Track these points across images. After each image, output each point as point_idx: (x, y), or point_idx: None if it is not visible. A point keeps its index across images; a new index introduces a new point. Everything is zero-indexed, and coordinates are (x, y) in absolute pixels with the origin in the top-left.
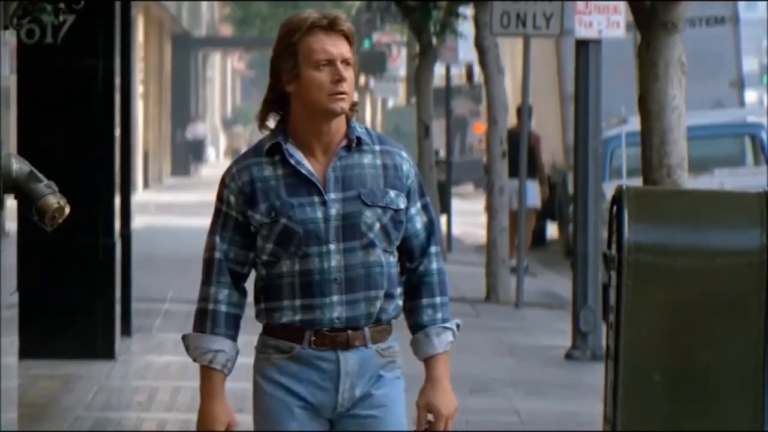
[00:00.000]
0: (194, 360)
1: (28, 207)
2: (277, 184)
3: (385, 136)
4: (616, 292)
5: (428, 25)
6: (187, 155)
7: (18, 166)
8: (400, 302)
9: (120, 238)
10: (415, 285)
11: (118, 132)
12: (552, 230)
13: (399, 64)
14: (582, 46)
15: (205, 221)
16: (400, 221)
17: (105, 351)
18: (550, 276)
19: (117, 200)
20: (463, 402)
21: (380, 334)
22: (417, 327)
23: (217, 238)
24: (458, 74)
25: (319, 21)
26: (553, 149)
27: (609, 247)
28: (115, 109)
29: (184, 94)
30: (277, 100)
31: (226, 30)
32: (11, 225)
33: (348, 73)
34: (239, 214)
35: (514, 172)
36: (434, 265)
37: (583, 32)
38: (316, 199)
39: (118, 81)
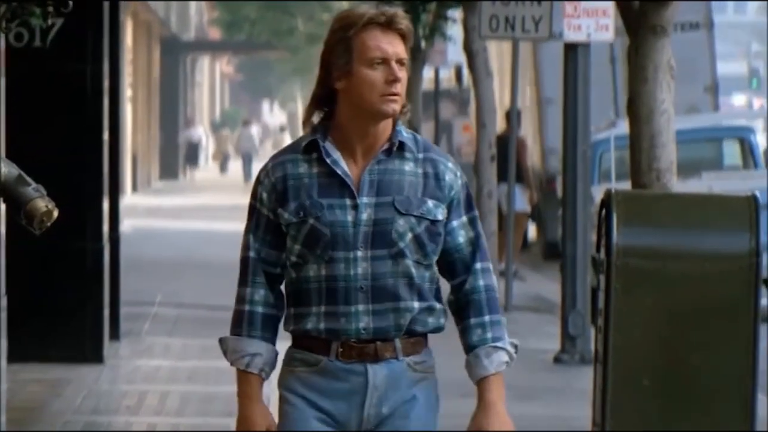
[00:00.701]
0: (231, 364)
1: (16, 211)
2: (310, 182)
3: (432, 145)
4: (605, 295)
5: (417, 28)
6: (175, 159)
7: (6, 169)
8: (443, 319)
9: (108, 241)
10: (463, 304)
11: (106, 135)
12: (532, 232)
13: None
14: (571, 49)
15: (194, 224)
16: (437, 233)
17: (93, 355)
18: (538, 279)
19: (105, 204)
20: (454, 406)
21: (414, 347)
22: (468, 348)
23: (251, 237)
24: (446, 78)
25: (376, 17)
26: (530, 153)
27: (598, 250)
28: (103, 112)
29: (173, 98)
30: (325, 97)
31: (215, 33)
32: None
33: (402, 74)
34: (270, 212)
35: (502, 176)
36: (481, 282)
37: (572, 35)
38: (348, 201)
39: (106, 84)
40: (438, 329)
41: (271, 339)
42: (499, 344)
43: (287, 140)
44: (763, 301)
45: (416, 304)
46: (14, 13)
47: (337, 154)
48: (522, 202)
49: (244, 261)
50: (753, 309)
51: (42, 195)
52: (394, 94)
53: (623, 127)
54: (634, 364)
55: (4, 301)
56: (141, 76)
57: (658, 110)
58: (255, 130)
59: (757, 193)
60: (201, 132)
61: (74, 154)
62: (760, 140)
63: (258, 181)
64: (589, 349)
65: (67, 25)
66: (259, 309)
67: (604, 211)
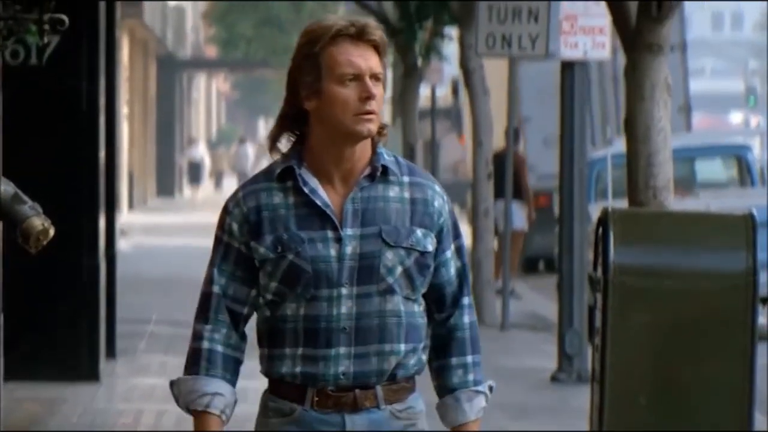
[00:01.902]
0: (187, 408)
1: (13, 229)
2: (286, 214)
3: (416, 167)
4: (601, 314)
5: (413, 46)
6: (172, 176)
7: (2, 188)
8: (424, 356)
9: (105, 259)
10: (444, 341)
11: (102, 153)
12: None
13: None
14: (567, 67)
15: (190, 242)
16: (426, 265)
17: (89, 373)
18: (535, 298)
19: (102, 221)
20: None
21: (396, 394)
22: (445, 390)
23: (216, 271)
24: (442, 96)
25: (345, 29)
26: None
27: (595, 269)
28: (99, 130)
29: (169, 116)
30: (293, 118)
31: (211, 51)
32: None
33: (377, 90)
34: (242, 245)
35: (499, 194)
36: (466, 319)
37: (568, 53)
38: (330, 234)
39: (102, 102)
40: (420, 370)
41: (232, 381)
42: (480, 388)
43: None
44: (761, 320)
45: (403, 347)
46: (10, 30)
47: (314, 182)
48: (520, 219)
49: (205, 296)
50: (750, 327)
51: (38, 213)
52: (370, 112)
53: (620, 145)
54: (630, 382)
55: (1, 319)
56: (137, 93)
57: (655, 128)
58: (251, 148)
59: (755, 211)
60: (202, 150)
61: (70, 172)
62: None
63: (226, 210)
64: (586, 368)
65: (63, 42)
66: (219, 348)
67: (601, 230)
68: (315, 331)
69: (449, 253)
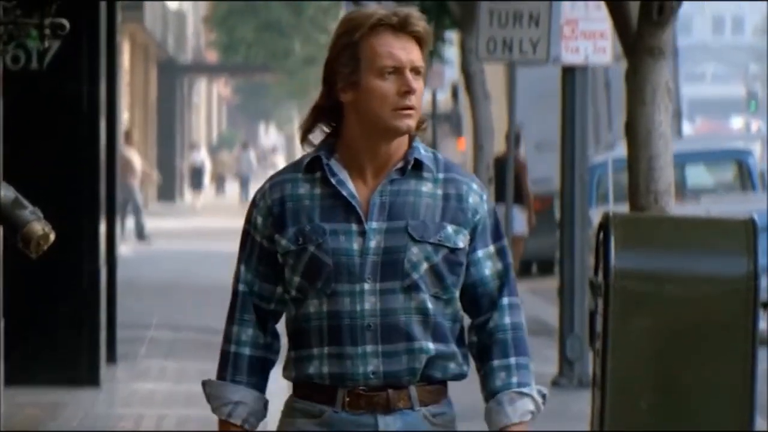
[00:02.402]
0: (213, 411)
1: (13, 234)
2: (311, 204)
3: (455, 165)
4: (602, 319)
5: None
6: (173, 181)
7: (3, 192)
8: (466, 364)
9: (105, 263)
10: (486, 344)
11: (103, 157)
12: None
13: None
14: (568, 72)
15: (191, 247)
16: (457, 263)
17: (90, 378)
18: (536, 302)
19: (102, 226)
20: None
21: (431, 395)
22: (489, 394)
23: (243, 268)
24: (442, 100)
25: (387, 18)
26: None
27: (596, 274)
28: (100, 134)
29: (170, 120)
30: (329, 110)
31: (212, 56)
32: None
33: (418, 84)
34: (265, 239)
35: (500, 198)
36: (507, 320)
37: (569, 57)
38: (354, 227)
39: (103, 107)
40: (459, 376)
41: (259, 385)
42: (525, 390)
43: (280, 161)
44: (762, 324)
45: (432, 345)
46: (11, 35)
47: (343, 174)
48: (520, 224)
49: (234, 295)
50: (751, 332)
51: (39, 218)
52: (409, 107)
53: (621, 149)
54: (631, 387)
55: (1, 324)
56: (138, 98)
57: (656, 132)
58: (252, 152)
59: (755, 216)
60: (204, 155)
61: (71, 176)
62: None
63: (253, 203)
64: (587, 373)
65: (64, 47)
66: (246, 351)
67: (602, 234)
68: (339, 329)
69: (482, 252)
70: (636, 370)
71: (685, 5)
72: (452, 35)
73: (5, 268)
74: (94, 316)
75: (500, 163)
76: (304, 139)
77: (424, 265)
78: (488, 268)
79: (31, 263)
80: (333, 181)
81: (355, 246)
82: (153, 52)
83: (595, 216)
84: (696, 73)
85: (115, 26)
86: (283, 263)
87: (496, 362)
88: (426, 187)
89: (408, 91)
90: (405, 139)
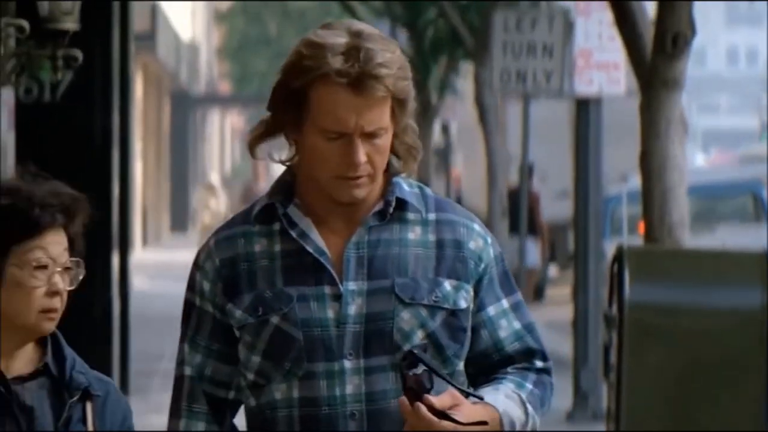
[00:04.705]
0: None
1: None
2: (270, 265)
3: (449, 202)
4: (617, 352)
5: (428, 82)
6: (186, 212)
7: None
8: None
9: (119, 296)
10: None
11: (116, 189)
12: None
13: None
14: (582, 104)
15: None
16: (460, 328)
17: None
18: (550, 335)
19: (115, 259)
20: None
21: None
22: (488, 383)
23: (187, 347)
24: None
25: (342, 72)
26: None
27: (610, 306)
28: (113, 166)
29: (183, 152)
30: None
31: (225, 87)
32: None
33: (376, 146)
34: (216, 309)
35: (513, 230)
36: (530, 385)
37: (583, 88)
38: (327, 290)
39: (116, 138)
40: None
41: None
42: (527, 405)
43: None
44: None
45: None
46: (24, 67)
47: (305, 222)
48: (534, 256)
49: (178, 381)
50: (765, 365)
51: None
52: (356, 178)
53: (635, 182)
54: (645, 420)
55: None
56: (151, 129)
57: (671, 165)
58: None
59: None
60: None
61: None
62: None
63: (195, 265)
64: (601, 406)
65: (76, 79)
66: None
67: (616, 267)
68: (315, 419)
69: (493, 310)
70: (650, 403)
71: (698, 37)
72: (465, 67)
73: None
74: (106, 350)
75: (514, 196)
76: (253, 155)
77: (419, 334)
78: (503, 329)
79: None
80: (294, 233)
81: (330, 314)
82: (166, 83)
83: (610, 248)
84: (710, 105)
85: (129, 57)
86: (239, 339)
87: (510, 376)
88: (413, 234)
89: (352, 163)
90: (380, 176)
